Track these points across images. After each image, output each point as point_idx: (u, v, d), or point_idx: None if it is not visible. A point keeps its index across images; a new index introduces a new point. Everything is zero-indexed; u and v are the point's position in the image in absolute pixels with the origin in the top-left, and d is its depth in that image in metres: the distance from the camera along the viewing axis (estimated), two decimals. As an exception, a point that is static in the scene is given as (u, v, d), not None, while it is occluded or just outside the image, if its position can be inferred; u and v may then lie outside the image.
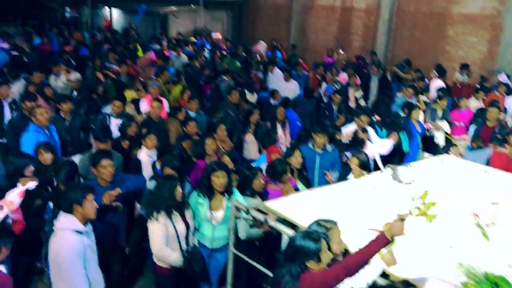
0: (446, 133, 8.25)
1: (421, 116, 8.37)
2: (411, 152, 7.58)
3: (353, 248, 3.20)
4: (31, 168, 4.81)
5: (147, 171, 5.77)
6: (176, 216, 4.38)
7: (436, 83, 10.63)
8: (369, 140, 6.77)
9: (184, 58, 13.07)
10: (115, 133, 6.66)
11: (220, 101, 9.00)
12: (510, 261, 3.21)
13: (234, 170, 5.19)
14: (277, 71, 11.58)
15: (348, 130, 7.13)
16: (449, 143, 7.26)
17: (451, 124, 8.57)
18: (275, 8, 19.15)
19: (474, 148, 6.92)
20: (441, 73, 11.09)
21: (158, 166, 5.63)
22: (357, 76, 10.93)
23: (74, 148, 6.62)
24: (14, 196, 4.22)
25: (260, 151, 6.76)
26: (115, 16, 22.35)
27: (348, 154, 6.28)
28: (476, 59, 12.68)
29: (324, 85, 10.99)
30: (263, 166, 5.68)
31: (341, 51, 14.99)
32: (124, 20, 21.73)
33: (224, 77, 10.41)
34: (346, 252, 3.22)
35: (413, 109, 7.97)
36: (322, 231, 3.05)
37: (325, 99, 9.92)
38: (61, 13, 26.98)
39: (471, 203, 4.12)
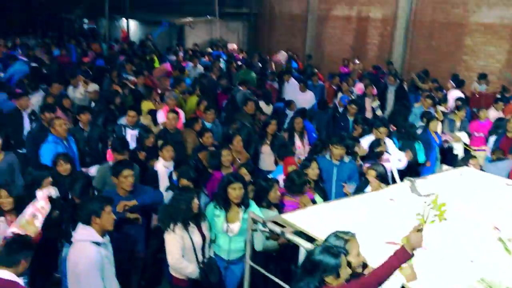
0: (465, 144, 8.14)
1: (439, 127, 8.28)
2: (430, 164, 7.48)
3: (371, 261, 3.15)
4: (49, 179, 4.86)
5: (163, 182, 5.79)
6: (192, 227, 4.39)
7: (454, 93, 10.52)
8: (387, 152, 6.70)
9: (201, 69, 13.14)
10: (131, 144, 6.71)
11: (236, 111, 9.02)
12: (533, 277, 3.14)
13: (251, 181, 5.17)
14: (292, 81, 11.58)
15: (366, 144, 7.03)
16: (468, 155, 7.15)
17: (470, 135, 8.46)
18: (291, 18, 19.20)
19: (494, 159, 6.81)
20: (458, 83, 10.98)
21: (174, 177, 5.65)
22: (373, 86, 10.86)
23: (92, 159, 6.69)
24: (42, 202, 4.29)
25: (276, 163, 6.73)
26: (132, 27, 22.64)
27: (366, 165, 6.22)
28: (494, 69, 12.55)
29: (339, 95, 10.96)
30: (280, 178, 5.66)
31: (357, 61, 14.95)
32: (141, 31, 21.99)
33: (240, 88, 10.44)
34: (364, 266, 3.18)
35: (431, 120, 7.88)
36: (340, 244, 3.02)
37: (340, 109, 9.86)
38: (79, 24, 27.46)
39: (491, 216, 4.04)
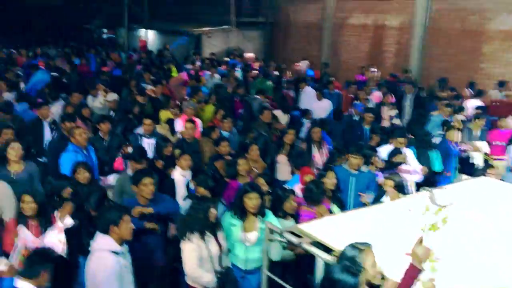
0: (484, 153, 8.04)
1: (458, 136, 8.18)
2: (450, 173, 7.39)
3: (390, 273, 3.13)
4: (69, 190, 4.92)
5: (180, 191, 5.83)
6: (209, 237, 4.40)
7: (471, 102, 10.40)
8: (406, 162, 6.63)
9: (218, 78, 13.21)
10: (148, 153, 6.76)
11: (252, 120, 9.04)
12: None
13: (269, 191, 5.18)
14: (308, 89, 11.54)
15: (384, 153, 6.97)
16: (487, 164, 7.06)
17: (489, 143, 8.34)
18: (307, 26, 19.22)
19: (514, 169, 6.72)
20: (477, 92, 10.85)
21: (192, 186, 5.68)
22: (392, 95, 10.77)
23: (110, 168, 6.77)
24: (62, 236, 4.38)
25: (292, 172, 6.71)
26: (150, 37, 22.91)
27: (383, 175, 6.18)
28: (513, 76, 12.37)
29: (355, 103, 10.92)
30: (296, 187, 5.66)
31: (374, 69, 14.87)
32: (159, 40, 22.25)
33: (257, 96, 10.46)
34: (382, 278, 3.16)
35: (450, 129, 7.80)
36: (355, 253, 3.01)
37: (356, 117, 9.80)
38: (99, 34, 27.90)
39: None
